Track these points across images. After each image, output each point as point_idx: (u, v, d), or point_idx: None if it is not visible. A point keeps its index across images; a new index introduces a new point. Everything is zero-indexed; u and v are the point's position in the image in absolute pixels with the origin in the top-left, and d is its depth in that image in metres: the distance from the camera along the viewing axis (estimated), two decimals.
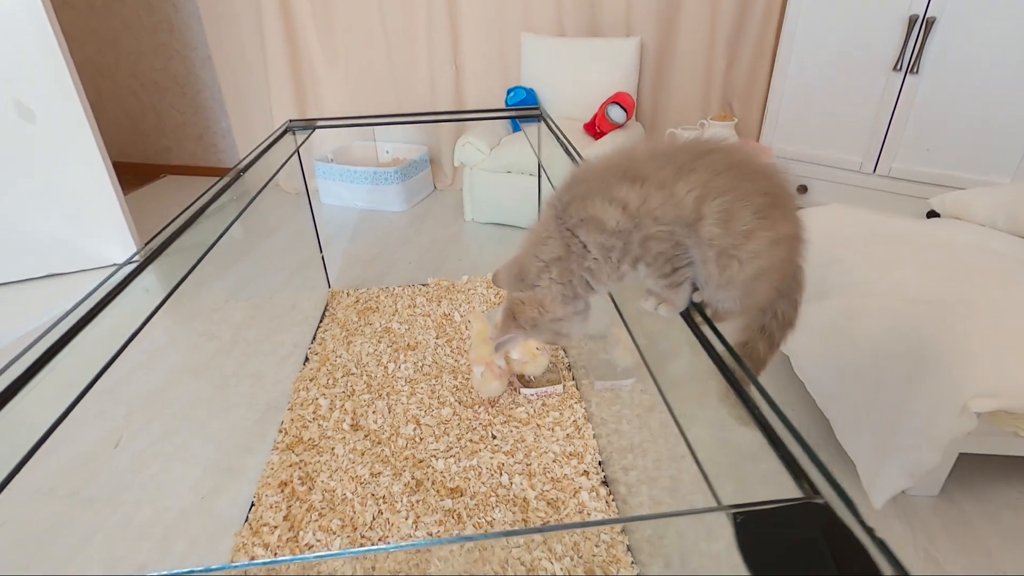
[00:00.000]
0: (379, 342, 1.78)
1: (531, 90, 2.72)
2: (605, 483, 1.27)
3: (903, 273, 1.29)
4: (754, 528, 0.46)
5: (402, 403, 1.52)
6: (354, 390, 1.58)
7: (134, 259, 0.94)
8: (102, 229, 2.38)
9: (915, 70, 2.05)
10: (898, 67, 2.08)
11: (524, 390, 1.53)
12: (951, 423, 1.02)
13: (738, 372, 0.65)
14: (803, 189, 2.48)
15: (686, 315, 0.74)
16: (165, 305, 0.92)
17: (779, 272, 0.67)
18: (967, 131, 2.03)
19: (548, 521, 1.18)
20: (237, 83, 3.20)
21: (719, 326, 0.73)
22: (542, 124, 1.80)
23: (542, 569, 1.08)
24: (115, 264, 2.50)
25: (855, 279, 1.35)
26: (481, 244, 2.50)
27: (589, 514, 1.19)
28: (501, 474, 1.29)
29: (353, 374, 1.64)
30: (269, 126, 3.18)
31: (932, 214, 2.19)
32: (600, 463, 1.32)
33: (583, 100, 2.72)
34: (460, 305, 1.96)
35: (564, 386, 1.55)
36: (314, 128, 1.77)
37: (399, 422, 1.46)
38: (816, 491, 0.48)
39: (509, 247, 2.42)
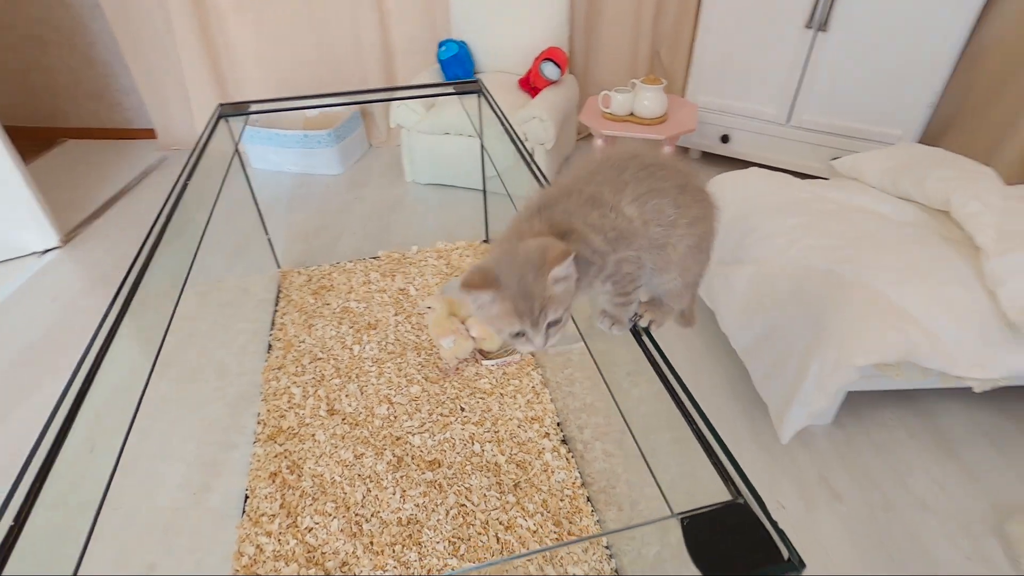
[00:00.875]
0: (340, 324, 1.84)
1: (463, 43, 2.66)
2: (564, 442, 1.46)
3: (807, 242, 1.50)
4: (695, 527, 0.63)
5: (372, 384, 1.63)
6: (324, 375, 1.66)
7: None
8: (10, 209, 2.22)
9: (825, 28, 2.19)
10: (809, 25, 2.21)
11: (485, 361, 1.67)
12: (839, 376, 1.25)
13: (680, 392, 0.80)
14: (725, 139, 2.65)
15: (639, 339, 0.87)
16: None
17: (702, 245, 0.80)
18: (869, 86, 2.23)
19: (519, 481, 1.36)
20: (134, 33, 2.90)
21: (659, 329, 0.88)
22: (481, 98, 1.82)
23: (518, 526, 1.27)
24: (35, 252, 2.36)
25: (768, 247, 1.55)
26: (425, 208, 2.53)
27: (553, 472, 1.38)
28: (473, 443, 1.45)
29: (320, 359, 1.72)
30: (178, 79, 2.94)
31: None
32: (558, 424, 1.51)
33: (517, 54, 2.71)
34: (414, 279, 2.04)
35: (521, 355, 1.70)
36: (248, 114, 1.71)
37: (372, 403, 1.57)
38: (739, 493, 0.65)
39: (453, 211, 2.48)
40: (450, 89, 1.84)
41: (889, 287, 1.33)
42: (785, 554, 0.59)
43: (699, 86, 2.57)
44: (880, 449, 1.47)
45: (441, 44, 2.65)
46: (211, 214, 1.45)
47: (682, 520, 0.65)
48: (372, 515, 1.30)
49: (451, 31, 2.79)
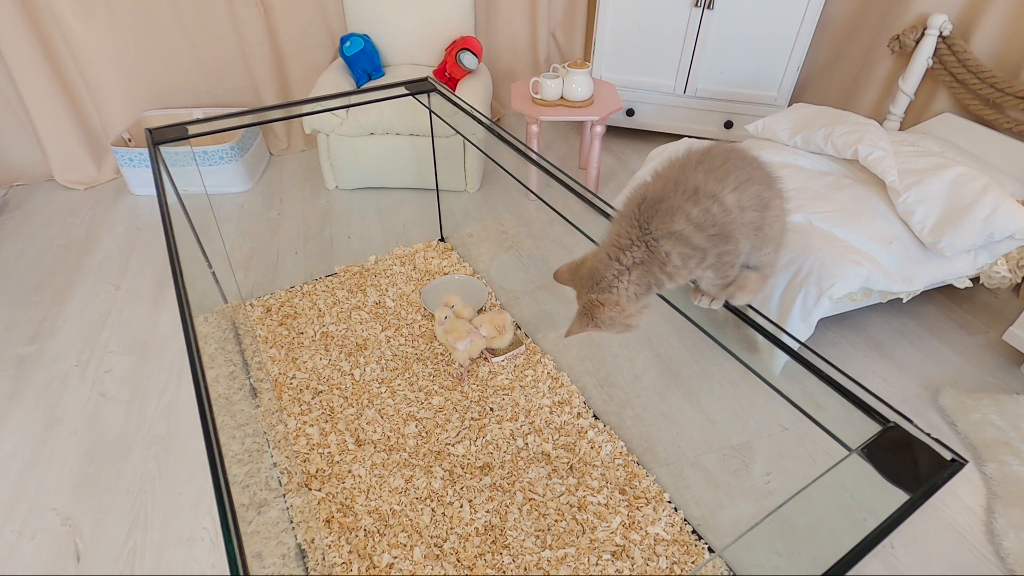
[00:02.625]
0: (327, 351, 1.73)
1: (366, 37, 2.54)
2: (596, 417, 1.55)
3: None
4: (873, 455, 0.75)
5: (390, 405, 1.57)
6: (333, 408, 1.56)
7: None
8: None
9: (711, 6, 2.45)
10: (698, 4, 2.46)
11: (494, 359, 1.69)
12: (820, 308, 1.49)
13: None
14: (630, 112, 2.86)
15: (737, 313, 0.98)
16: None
17: (784, 218, 0.93)
18: (749, 56, 2.55)
19: (572, 463, 1.43)
20: None
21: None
22: (433, 95, 1.79)
23: (589, 504, 1.34)
24: None
25: None
26: (362, 215, 2.41)
27: (600, 447, 1.47)
28: (515, 439, 1.49)
29: (322, 392, 1.61)
30: (8, 99, 2.42)
31: (728, 124, 2.75)
32: (584, 402, 1.59)
33: (424, 45, 2.65)
34: (387, 290, 1.96)
35: (526, 346, 1.74)
36: (187, 138, 1.50)
37: (397, 425, 1.52)
38: (886, 420, 0.78)
39: (395, 213, 2.40)
40: (402, 90, 1.77)
41: (835, 228, 1.60)
42: (948, 455, 0.74)
43: (603, 64, 2.74)
44: (836, 362, 1.77)
45: (344, 39, 2.49)
46: (175, 256, 1.28)
47: (862, 451, 0.76)
48: (448, 533, 1.29)
49: (347, 26, 2.63)
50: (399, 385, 1.62)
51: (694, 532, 1.31)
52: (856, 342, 1.84)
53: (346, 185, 2.55)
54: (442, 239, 2.23)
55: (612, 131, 3.04)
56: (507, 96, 3.13)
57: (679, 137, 2.85)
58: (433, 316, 1.86)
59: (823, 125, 1.93)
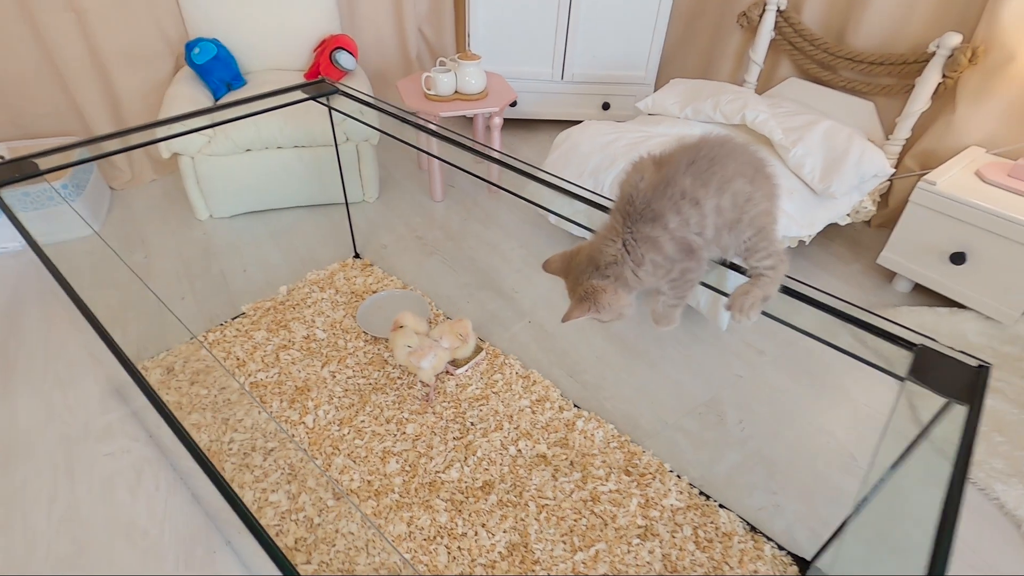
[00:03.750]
0: (264, 401, 1.48)
1: (217, 42, 2.21)
2: (578, 406, 1.53)
3: None
4: (918, 376, 0.81)
5: (359, 447, 1.39)
6: (293, 466, 1.34)
7: None
8: None
9: None
10: None
11: (457, 371, 1.59)
12: None
13: None
14: (513, 103, 2.86)
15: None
16: None
17: (769, 203, 0.96)
18: (617, 39, 2.69)
19: (571, 459, 1.38)
20: None
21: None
22: (338, 96, 1.62)
23: (602, 494, 1.31)
24: None
25: None
26: (253, 243, 2.11)
27: (591, 435, 1.44)
28: (507, 448, 1.41)
29: (274, 450, 1.37)
30: None
31: (606, 106, 2.88)
32: (562, 394, 1.56)
33: (289, 48, 2.39)
34: (313, 320, 1.74)
35: (486, 351, 1.66)
36: (39, 174, 1.17)
37: (376, 465, 1.35)
38: (912, 343, 0.85)
39: (290, 235, 2.15)
40: (298, 95, 1.56)
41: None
42: (975, 362, 0.82)
43: (482, 56, 2.69)
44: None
45: (191, 45, 2.15)
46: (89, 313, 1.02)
47: (907, 379, 0.82)
48: (472, 566, 1.18)
49: (188, 31, 2.27)
50: (363, 422, 1.45)
51: (701, 493, 1.34)
52: None
53: (223, 212, 2.22)
54: (356, 255, 2.04)
55: None
56: (389, 97, 2.95)
57: (564, 123, 2.93)
58: (376, 339, 1.69)
59: (708, 96, 2.09)
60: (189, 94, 2.09)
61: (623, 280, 0.85)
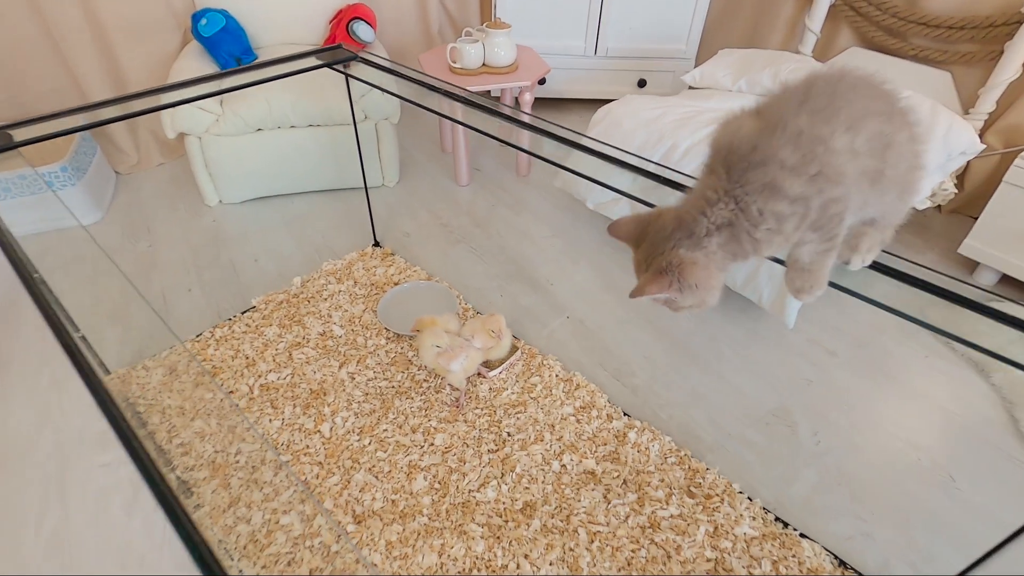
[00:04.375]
0: (275, 407, 1.32)
1: (226, 13, 2.05)
2: (628, 415, 1.34)
3: None
4: None
5: (381, 461, 1.22)
6: (308, 481, 1.18)
7: None
8: None
9: None
10: None
11: (490, 373, 1.41)
12: None
13: None
14: (542, 81, 2.66)
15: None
16: None
17: (914, 152, 0.75)
18: (654, 9, 2.47)
19: (624, 477, 1.20)
20: None
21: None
22: (358, 64, 1.44)
23: (662, 519, 1.13)
24: None
25: (696, 159, 1.62)
26: (265, 230, 1.95)
27: (647, 448, 1.26)
28: (549, 463, 1.23)
29: (286, 464, 1.21)
30: None
31: (642, 83, 2.66)
32: (609, 400, 1.38)
33: (303, 20, 2.22)
34: (329, 315, 1.57)
35: (521, 350, 1.48)
36: (12, 147, 1.02)
37: (400, 482, 1.19)
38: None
39: (305, 222, 1.99)
40: (312, 61, 1.39)
41: None
42: None
43: (513, 32, 2.49)
44: (828, 301, 1.74)
45: (198, 16, 1.98)
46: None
47: None
48: None
49: (195, 2, 2.11)
50: (386, 431, 1.28)
51: (777, 519, 1.16)
52: (834, 278, 1.82)
53: (233, 198, 2.06)
54: (376, 244, 1.87)
55: None
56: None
57: (597, 103, 2.72)
58: (400, 336, 1.52)
59: (765, 66, 1.88)
60: (196, 68, 1.93)
61: (731, 249, 0.66)
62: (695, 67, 2.19)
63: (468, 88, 1.96)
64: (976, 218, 1.76)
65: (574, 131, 1.14)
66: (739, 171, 0.63)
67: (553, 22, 2.49)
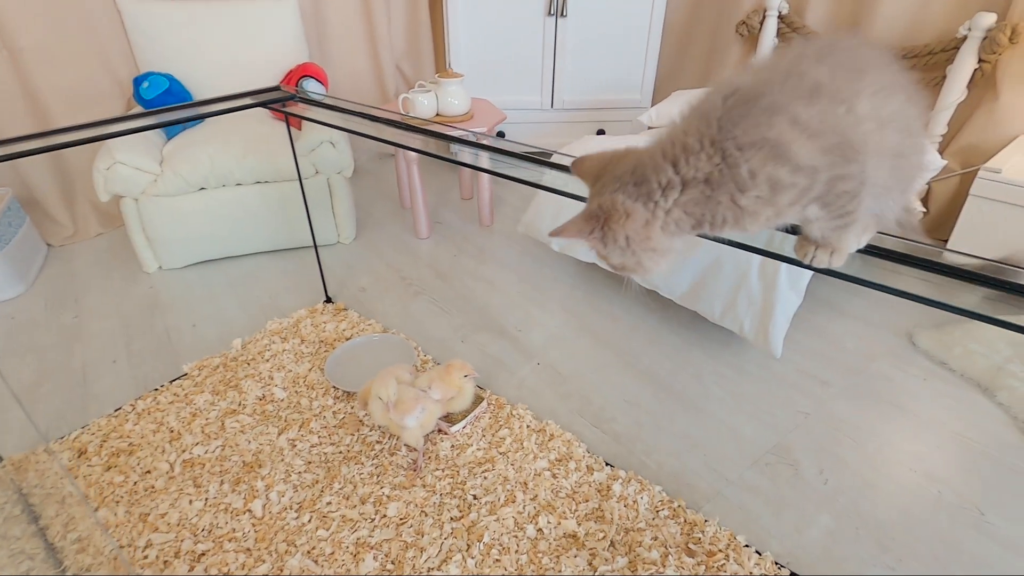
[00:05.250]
0: (198, 486, 1.12)
1: (170, 76, 2.00)
2: (610, 465, 1.18)
3: None
4: None
5: (323, 541, 1.03)
6: (230, 570, 0.97)
7: None
8: None
9: (564, 13, 2.38)
10: (551, 12, 2.37)
11: (452, 428, 1.24)
12: (804, 271, 1.32)
13: None
14: (500, 134, 2.66)
15: None
16: None
17: (922, 150, 0.63)
18: (607, 60, 2.52)
19: (610, 538, 1.02)
20: None
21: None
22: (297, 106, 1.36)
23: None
24: None
25: None
26: (207, 295, 1.80)
27: (634, 501, 1.09)
28: (523, 528, 1.04)
29: (206, 553, 1.00)
30: None
31: (600, 132, 2.68)
32: (588, 450, 1.21)
33: (252, 83, 2.17)
34: (270, 377, 1.40)
35: (487, 403, 1.32)
36: None
37: (347, 565, 0.99)
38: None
39: (251, 283, 1.85)
40: (247, 100, 1.31)
41: None
42: None
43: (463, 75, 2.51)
44: (803, 329, 1.63)
45: (140, 80, 1.93)
46: None
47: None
48: None
49: (139, 66, 2.07)
50: (329, 504, 1.09)
51: (793, 575, 0.98)
52: (812, 307, 1.73)
53: (174, 263, 1.92)
54: (328, 300, 1.73)
55: None
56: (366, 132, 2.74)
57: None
58: (349, 395, 1.35)
59: None
60: (136, 135, 1.84)
61: (698, 213, 0.54)
62: None
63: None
64: (946, 240, 1.72)
65: (538, 152, 1.05)
66: (736, 118, 0.51)
67: (509, 77, 2.52)
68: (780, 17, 2.21)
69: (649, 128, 2.05)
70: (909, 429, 1.30)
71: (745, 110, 0.51)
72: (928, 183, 1.95)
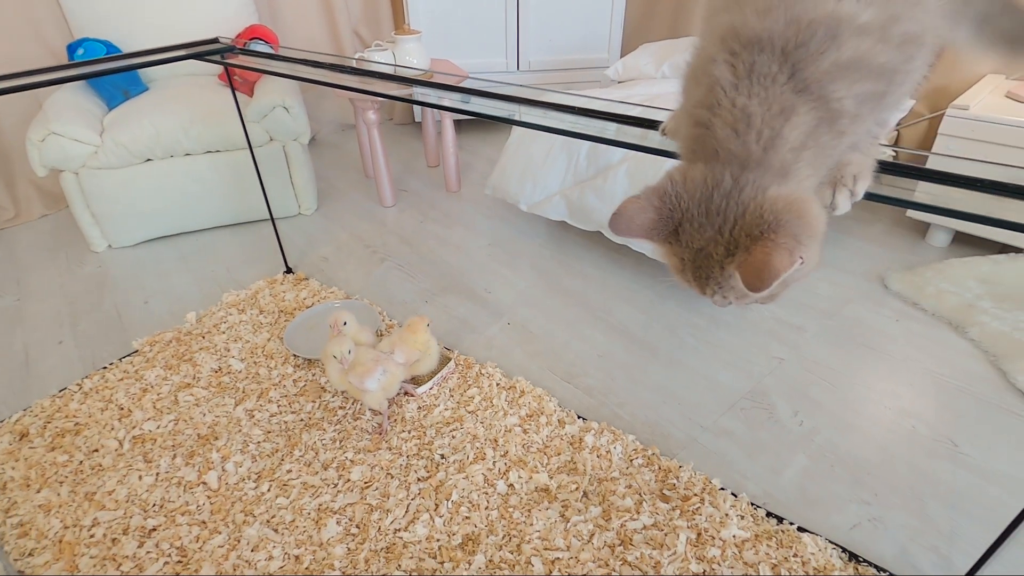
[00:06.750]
0: (149, 461, 1.06)
1: (108, 43, 1.88)
2: (583, 418, 1.14)
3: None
4: None
5: (283, 509, 0.98)
6: (185, 548, 0.92)
7: None
8: None
9: None
10: None
11: (418, 390, 1.19)
12: None
13: None
14: (465, 100, 2.57)
15: None
16: None
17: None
18: (572, 19, 2.44)
19: (584, 488, 0.99)
20: None
21: None
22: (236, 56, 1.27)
23: (633, 532, 0.92)
24: None
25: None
26: (159, 271, 1.71)
27: (607, 452, 1.06)
28: (493, 485, 1.00)
29: (157, 528, 0.95)
30: None
31: None
32: (559, 404, 1.17)
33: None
34: (227, 347, 1.33)
35: (455, 361, 1.27)
36: None
37: (309, 532, 0.94)
38: None
39: (206, 257, 1.77)
40: (181, 52, 1.21)
41: None
42: None
43: (428, 52, 2.41)
44: None
45: (74, 47, 1.80)
46: None
47: None
48: None
49: (73, 32, 1.94)
50: (290, 472, 1.04)
51: (770, 515, 0.96)
52: None
53: (124, 241, 1.82)
54: (288, 270, 1.66)
55: None
56: (327, 100, 2.64)
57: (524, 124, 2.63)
58: (311, 361, 1.29)
59: (686, 48, 1.82)
60: (74, 102, 1.73)
61: (820, 166, 0.46)
62: None
63: (381, 99, 1.83)
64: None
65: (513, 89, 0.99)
66: (811, 54, 0.43)
67: (472, 39, 2.43)
68: None
69: (618, 83, 1.99)
70: (883, 368, 1.28)
71: (809, 34, 0.43)
72: (897, 128, 1.93)
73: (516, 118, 0.95)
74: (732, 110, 0.44)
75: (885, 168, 0.64)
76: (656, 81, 1.83)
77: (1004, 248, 1.62)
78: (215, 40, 1.30)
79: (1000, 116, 1.48)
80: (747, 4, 0.46)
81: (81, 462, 1.07)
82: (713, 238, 0.44)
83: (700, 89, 0.48)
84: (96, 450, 1.09)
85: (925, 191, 0.69)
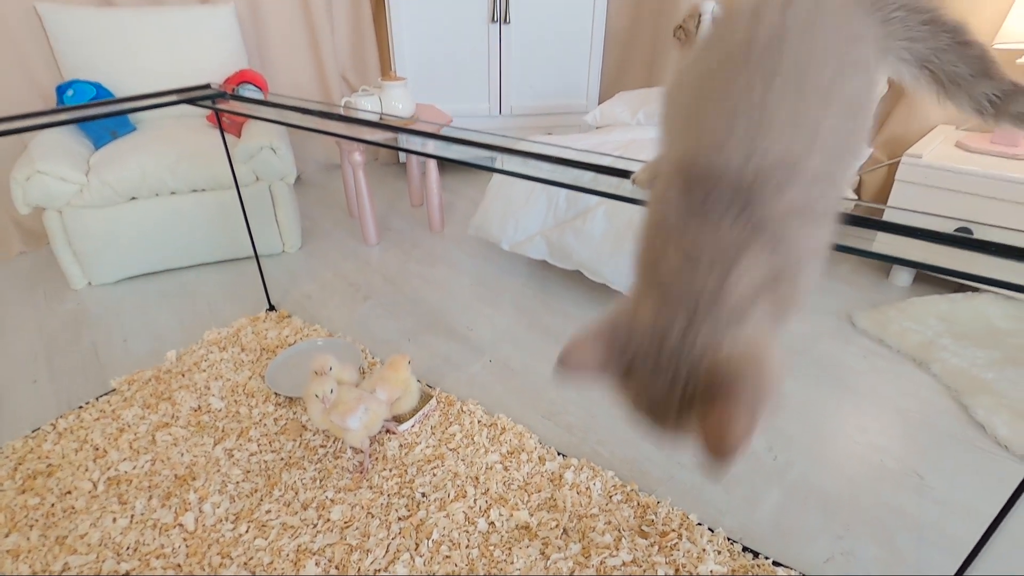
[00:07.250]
0: (124, 503, 1.05)
1: (98, 85, 1.91)
2: (563, 455, 1.16)
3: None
4: None
5: (261, 551, 0.97)
6: None
7: None
8: None
9: (507, 20, 2.41)
10: (494, 19, 2.40)
11: (401, 428, 1.20)
12: None
13: None
14: None
15: None
16: None
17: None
18: (552, 67, 2.56)
19: (563, 526, 1.00)
20: None
21: None
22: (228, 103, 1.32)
23: (614, 569, 0.93)
24: None
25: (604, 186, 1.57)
26: (139, 308, 1.70)
27: (587, 489, 1.07)
28: (474, 523, 1.01)
29: (131, 573, 0.93)
30: None
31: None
32: (540, 441, 1.19)
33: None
34: (207, 385, 1.33)
35: (436, 400, 1.28)
36: None
37: (287, 573, 0.93)
38: None
39: (188, 296, 1.77)
40: (173, 97, 1.26)
41: None
42: None
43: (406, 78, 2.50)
44: None
45: (63, 88, 1.84)
46: None
47: None
48: None
49: (63, 73, 1.97)
50: (268, 513, 1.03)
51: (746, 549, 0.98)
52: None
53: (105, 279, 1.82)
54: (271, 308, 1.67)
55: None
56: (313, 144, 2.69)
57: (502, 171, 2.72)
58: (292, 400, 1.29)
59: (657, 99, 1.92)
60: (61, 141, 1.75)
61: (778, 314, 0.33)
62: None
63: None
64: None
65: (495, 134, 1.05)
66: (769, 193, 0.36)
67: (455, 84, 2.53)
68: (714, 18, 2.29)
69: (596, 128, 2.08)
70: (852, 403, 1.33)
71: (774, 181, 0.36)
72: (859, 174, 2.04)
73: (496, 165, 1.00)
74: (682, 242, 0.38)
75: (849, 220, 0.70)
76: (631, 127, 1.92)
77: (960, 287, 1.71)
78: (207, 86, 1.35)
79: (951, 164, 1.58)
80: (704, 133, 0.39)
81: (53, 504, 1.05)
82: (666, 390, 0.37)
83: (655, 210, 0.41)
84: (69, 492, 1.07)
85: (882, 241, 0.75)
